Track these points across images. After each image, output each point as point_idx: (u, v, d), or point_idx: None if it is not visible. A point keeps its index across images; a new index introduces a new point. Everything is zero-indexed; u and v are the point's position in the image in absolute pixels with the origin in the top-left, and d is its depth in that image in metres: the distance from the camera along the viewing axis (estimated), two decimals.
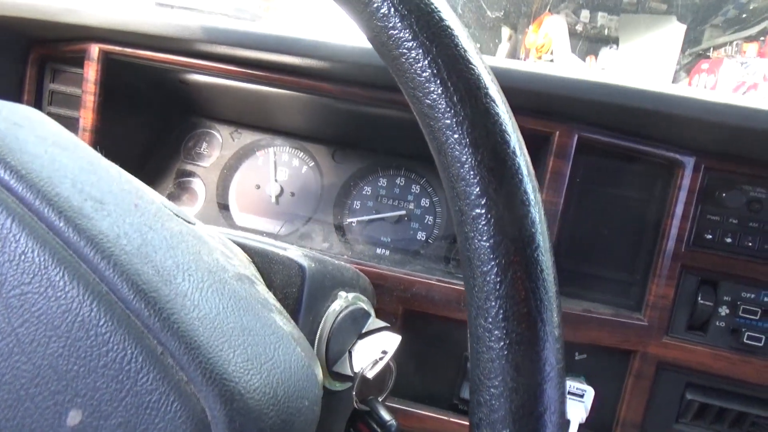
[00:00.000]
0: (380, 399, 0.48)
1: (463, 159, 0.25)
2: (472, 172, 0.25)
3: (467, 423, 0.64)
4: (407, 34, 0.25)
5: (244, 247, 0.44)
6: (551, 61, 2.83)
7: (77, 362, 0.25)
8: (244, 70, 0.65)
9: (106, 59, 0.68)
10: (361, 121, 0.76)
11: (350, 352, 0.46)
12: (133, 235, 0.28)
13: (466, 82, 0.25)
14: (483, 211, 0.24)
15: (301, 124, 0.80)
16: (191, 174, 0.82)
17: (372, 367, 0.44)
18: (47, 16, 0.65)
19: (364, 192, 0.80)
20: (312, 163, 0.81)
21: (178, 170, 0.83)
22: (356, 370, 0.44)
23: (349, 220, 0.79)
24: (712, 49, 3.43)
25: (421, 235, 0.77)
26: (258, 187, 0.82)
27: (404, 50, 0.25)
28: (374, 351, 0.46)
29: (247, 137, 0.83)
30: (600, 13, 3.71)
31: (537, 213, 0.25)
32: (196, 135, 0.84)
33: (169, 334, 0.25)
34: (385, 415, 0.46)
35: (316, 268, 0.45)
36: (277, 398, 0.27)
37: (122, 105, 0.74)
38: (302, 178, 0.81)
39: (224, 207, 0.81)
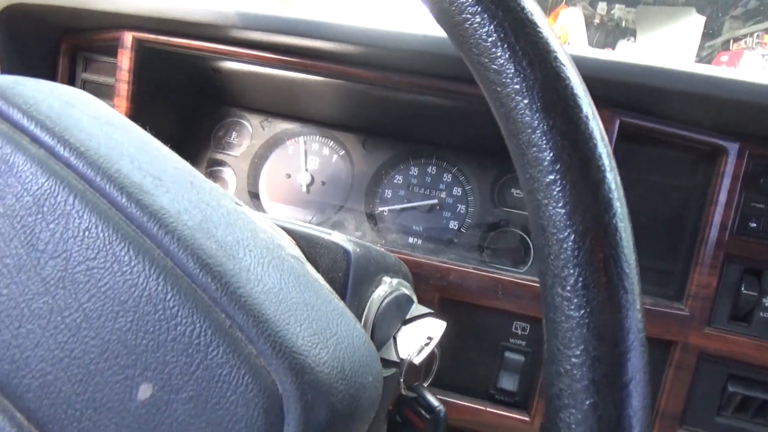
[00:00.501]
0: (425, 385, 0.48)
1: (535, 124, 0.24)
2: (544, 138, 0.24)
3: (505, 413, 0.63)
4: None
5: (289, 231, 0.43)
6: None
7: (146, 336, 0.24)
8: (279, 57, 0.65)
9: (140, 47, 0.68)
10: (392, 109, 0.75)
11: (395, 338, 0.45)
12: (193, 211, 0.28)
13: (534, 45, 0.24)
14: (557, 177, 0.24)
15: (332, 113, 0.79)
16: (222, 163, 0.82)
17: (418, 353, 0.44)
18: (82, 4, 0.64)
19: (395, 181, 0.79)
20: (342, 152, 0.81)
21: (209, 159, 0.82)
22: (402, 355, 0.44)
23: (380, 208, 0.78)
24: (731, 41, 3.38)
25: (453, 224, 0.77)
26: (288, 176, 0.81)
27: (468, 15, 0.25)
28: (419, 337, 0.45)
29: (277, 126, 0.82)
30: (617, 5, 3.67)
31: (613, 179, 0.24)
32: (226, 124, 0.83)
33: (236, 307, 0.25)
34: (433, 401, 0.45)
35: (360, 253, 0.44)
36: (344, 373, 0.26)
37: (154, 94, 0.74)
38: (333, 167, 0.81)
39: (255, 196, 0.81)
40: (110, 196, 0.27)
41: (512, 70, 0.24)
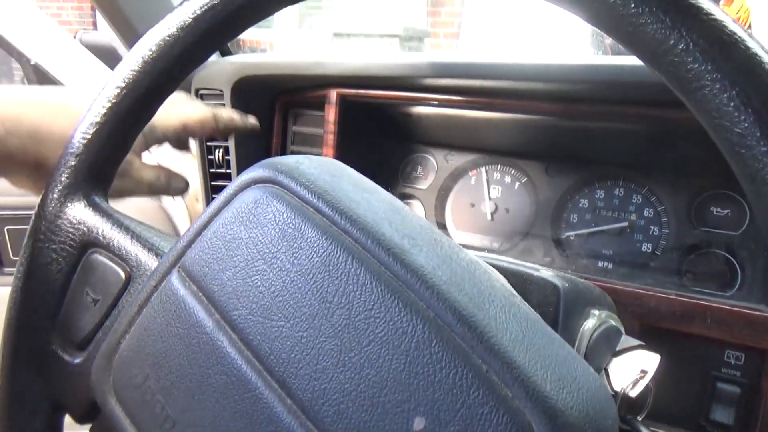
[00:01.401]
0: (639, 418, 0.48)
1: None
2: None
3: None
4: (710, 67, 0.26)
5: (499, 269, 0.47)
6: None
7: (417, 377, 0.29)
8: (466, 99, 0.70)
9: (343, 102, 0.77)
10: (576, 136, 0.76)
11: (606, 371, 0.47)
12: (443, 266, 0.33)
13: None
14: None
15: (513, 143, 0.82)
16: (411, 197, 0.89)
17: (633, 386, 0.45)
18: (300, 71, 0.76)
19: (581, 205, 0.79)
20: (525, 179, 0.83)
21: (399, 194, 0.90)
22: (615, 388, 0.45)
23: (567, 233, 0.79)
24: None
25: (646, 247, 0.75)
26: (472, 205, 0.86)
27: (706, 83, 0.26)
28: (632, 370, 0.46)
29: (460, 159, 0.87)
30: None
31: None
32: (412, 160, 0.90)
33: (491, 354, 0.29)
34: None
35: (569, 288, 0.46)
36: (590, 417, 0.29)
37: (352, 140, 0.83)
38: (516, 195, 0.83)
39: (442, 226, 0.87)
40: (379, 257, 0.32)
41: (758, 134, 0.25)
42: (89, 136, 0.43)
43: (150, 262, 0.42)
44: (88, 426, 0.43)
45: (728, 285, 0.69)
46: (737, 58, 0.25)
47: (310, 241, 0.34)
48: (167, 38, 0.41)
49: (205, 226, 0.38)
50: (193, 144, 0.89)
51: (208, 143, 0.87)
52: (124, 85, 0.42)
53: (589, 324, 0.47)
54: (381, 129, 0.88)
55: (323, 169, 0.38)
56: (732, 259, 0.69)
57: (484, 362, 0.29)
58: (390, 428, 0.29)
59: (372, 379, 0.30)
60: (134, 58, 0.42)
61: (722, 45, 0.26)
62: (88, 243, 0.44)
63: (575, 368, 0.32)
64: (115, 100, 0.42)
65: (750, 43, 0.26)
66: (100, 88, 0.43)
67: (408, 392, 0.29)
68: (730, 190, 0.72)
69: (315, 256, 0.33)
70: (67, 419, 0.44)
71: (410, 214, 0.38)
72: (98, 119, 0.42)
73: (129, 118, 0.43)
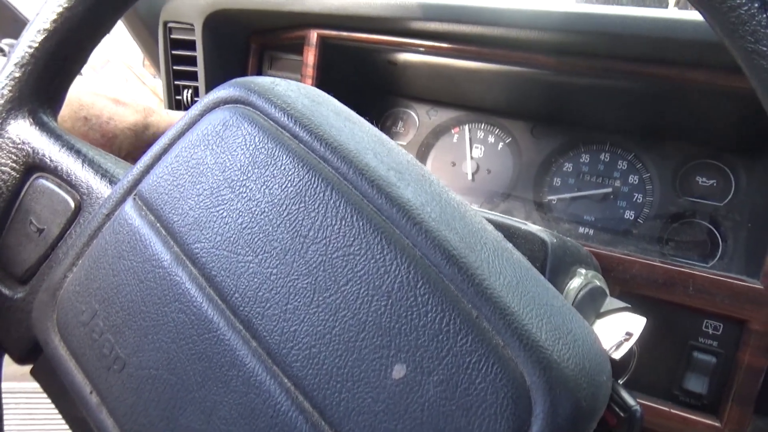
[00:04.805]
0: (620, 382, 0.46)
1: None
2: None
3: (689, 416, 0.60)
4: None
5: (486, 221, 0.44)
6: None
7: (399, 320, 0.26)
8: (459, 47, 0.66)
9: (324, 44, 0.72)
10: (563, 94, 0.73)
11: None
12: (432, 203, 0.30)
13: None
14: None
15: (499, 100, 0.79)
16: None
17: (617, 348, 0.43)
18: (278, 6, 0.70)
19: (565, 168, 0.77)
20: (509, 139, 0.80)
21: None
22: None
23: (549, 197, 0.77)
24: None
25: (629, 214, 0.73)
26: (453, 164, 0.82)
27: (743, 1, 0.23)
28: (616, 332, 0.44)
29: (443, 115, 0.84)
30: None
31: None
32: (393, 114, 0.86)
33: (483, 299, 0.26)
34: (630, 399, 0.44)
35: (557, 244, 0.44)
36: (586, 370, 0.26)
37: (332, 88, 0.78)
38: (499, 155, 0.80)
39: None
40: (361, 189, 0.29)
41: None
42: (36, 44, 0.37)
43: (102, 189, 0.37)
44: (29, 367, 0.39)
45: (709, 255, 0.68)
46: None
47: (284, 169, 0.30)
48: None
49: (165, 150, 0.34)
50: (157, 82, 0.83)
51: (176, 82, 0.81)
52: None
53: (575, 283, 0.45)
54: (363, 78, 0.84)
55: (302, 92, 0.34)
56: (714, 230, 0.68)
57: (475, 307, 0.26)
58: (366, 375, 0.26)
59: (348, 321, 0.27)
60: None
61: None
62: (33, 166, 0.39)
63: (570, 319, 0.29)
64: (67, 5, 0.37)
65: None
66: None
67: (388, 337, 0.26)
68: (717, 160, 0.70)
69: (289, 185, 0.30)
70: (7, 360, 0.40)
71: (397, 148, 0.34)
72: (47, 26, 0.37)
73: (83, 27, 0.38)
